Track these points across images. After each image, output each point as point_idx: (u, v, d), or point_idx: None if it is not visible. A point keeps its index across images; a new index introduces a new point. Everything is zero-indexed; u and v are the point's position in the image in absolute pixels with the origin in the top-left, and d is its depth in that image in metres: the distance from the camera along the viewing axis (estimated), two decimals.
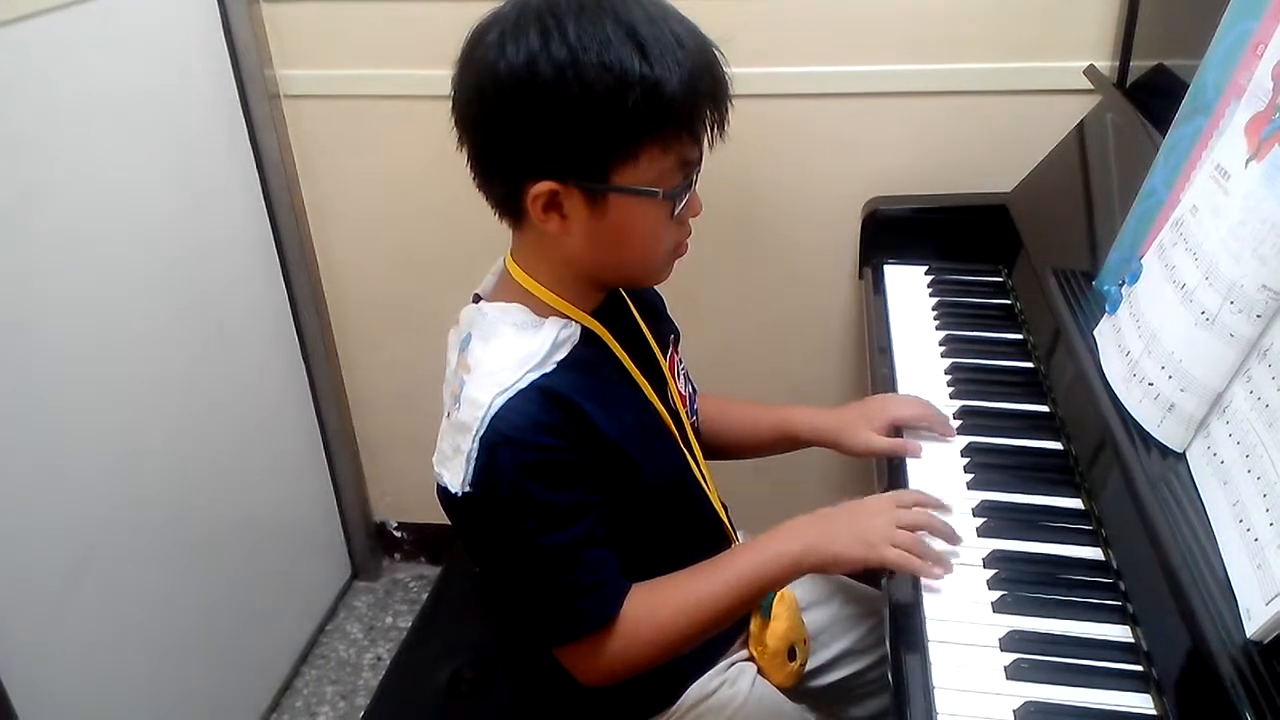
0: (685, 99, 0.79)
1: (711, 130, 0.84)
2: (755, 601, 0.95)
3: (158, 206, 1.39)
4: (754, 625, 1.03)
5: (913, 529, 0.87)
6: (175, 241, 1.43)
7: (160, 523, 1.41)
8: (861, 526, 0.87)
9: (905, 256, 1.43)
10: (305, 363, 1.77)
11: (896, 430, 1.05)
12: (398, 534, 2.03)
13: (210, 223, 1.51)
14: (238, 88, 1.54)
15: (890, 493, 0.94)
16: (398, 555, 2.05)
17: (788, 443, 1.12)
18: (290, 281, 1.70)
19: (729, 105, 0.84)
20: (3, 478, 1.15)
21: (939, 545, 0.88)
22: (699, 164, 0.85)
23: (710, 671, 1.02)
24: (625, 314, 0.96)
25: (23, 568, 1.18)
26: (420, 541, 2.02)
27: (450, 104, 0.84)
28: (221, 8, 1.49)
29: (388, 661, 1.79)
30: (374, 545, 2.01)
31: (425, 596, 1.71)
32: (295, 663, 1.80)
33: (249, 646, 1.65)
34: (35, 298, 1.19)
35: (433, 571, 2.00)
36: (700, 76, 0.80)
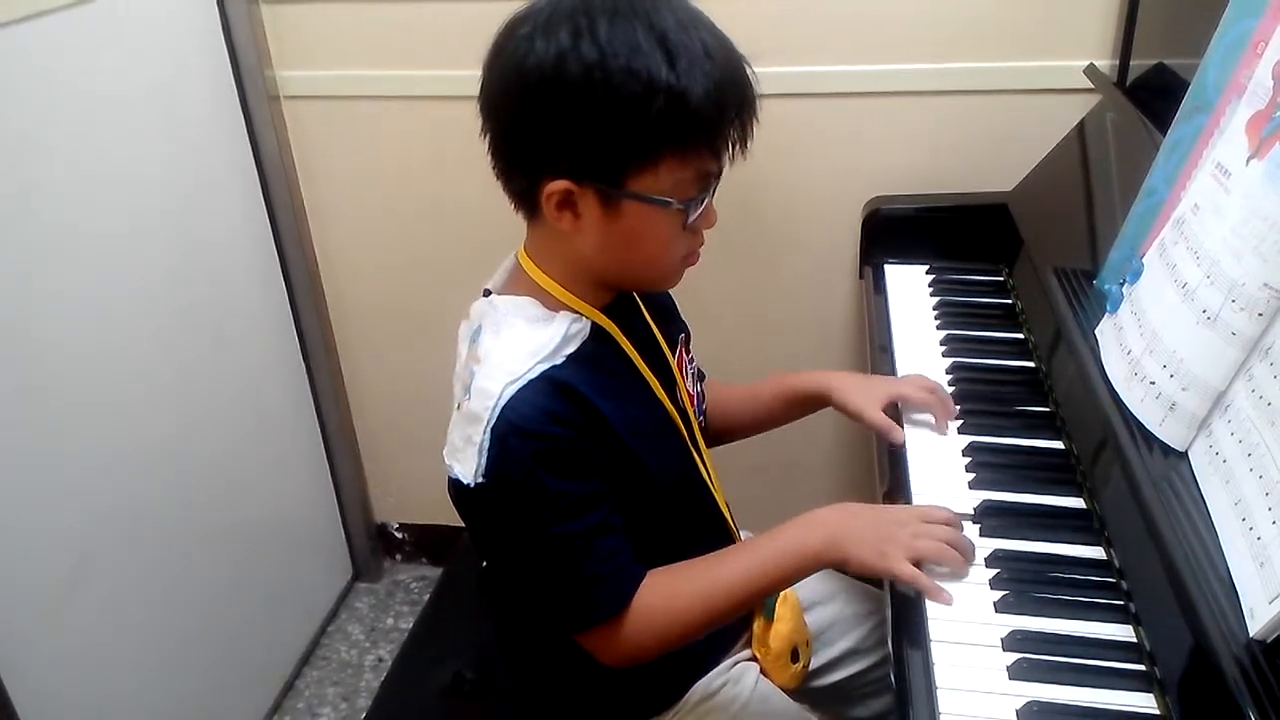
0: (709, 111, 0.79)
1: (733, 145, 0.83)
2: (771, 590, 0.95)
3: (157, 207, 1.39)
4: (757, 626, 1.03)
5: (934, 551, 0.85)
6: (175, 242, 1.43)
7: (161, 524, 1.41)
8: (884, 535, 0.86)
9: (906, 256, 1.43)
10: (305, 363, 1.77)
11: (901, 417, 1.05)
12: (399, 535, 2.03)
13: (210, 224, 1.51)
14: (237, 89, 1.54)
15: (919, 506, 0.93)
16: (399, 556, 2.05)
17: (788, 404, 1.12)
18: (290, 282, 1.70)
19: (754, 122, 0.83)
20: (3, 478, 1.15)
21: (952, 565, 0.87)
22: (718, 177, 0.84)
23: (713, 671, 1.02)
24: (635, 312, 0.96)
25: (23, 568, 1.18)
26: (421, 542, 2.02)
27: (477, 93, 0.84)
28: (221, 9, 1.49)
29: (389, 663, 1.79)
30: (375, 546, 2.01)
31: (427, 598, 1.71)
32: (297, 664, 1.80)
33: (250, 647, 1.65)
34: (35, 298, 1.19)
35: (434, 572, 2.00)
36: (726, 90, 0.79)
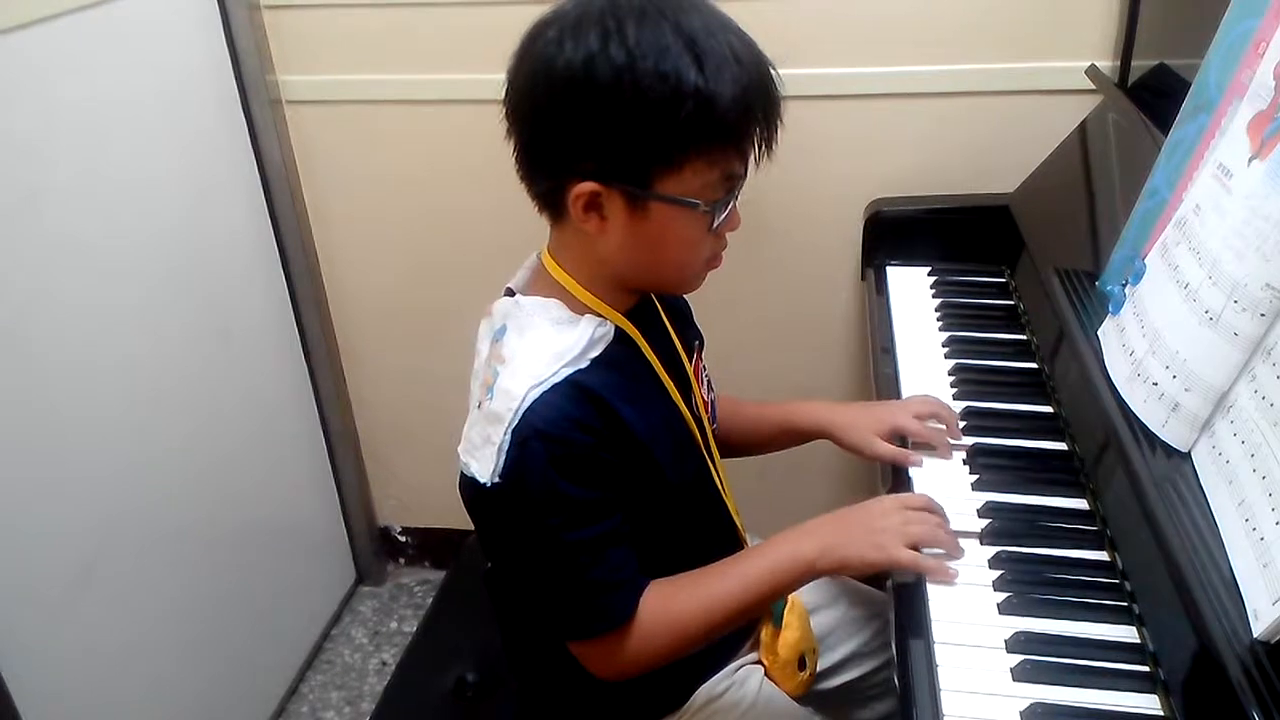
0: (737, 115, 0.79)
1: (759, 148, 0.83)
2: (768, 603, 0.95)
3: (160, 212, 1.39)
4: (765, 634, 1.03)
5: (928, 533, 0.87)
6: (178, 247, 1.43)
7: (165, 527, 1.41)
8: (874, 529, 0.87)
9: (908, 257, 1.43)
10: (308, 366, 1.77)
11: (901, 438, 1.05)
12: (402, 538, 2.03)
13: (213, 228, 1.51)
14: (240, 93, 1.54)
15: (899, 495, 0.93)
16: (402, 560, 2.05)
17: (789, 437, 1.12)
18: (293, 286, 1.70)
19: (779, 125, 0.84)
20: (8, 481, 1.15)
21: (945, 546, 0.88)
22: (743, 179, 0.85)
23: (718, 674, 1.02)
24: (655, 318, 0.96)
25: (28, 571, 1.18)
26: (425, 546, 2.02)
27: (503, 95, 0.84)
28: (223, 14, 1.49)
29: (393, 666, 1.79)
30: (378, 550, 2.01)
31: (430, 601, 1.71)
32: (300, 668, 1.80)
33: (254, 651, 1.65)
34: (40, 302, 1.19)
35: (437, 576, 2.00)
36: (753, 94, 0.80)
